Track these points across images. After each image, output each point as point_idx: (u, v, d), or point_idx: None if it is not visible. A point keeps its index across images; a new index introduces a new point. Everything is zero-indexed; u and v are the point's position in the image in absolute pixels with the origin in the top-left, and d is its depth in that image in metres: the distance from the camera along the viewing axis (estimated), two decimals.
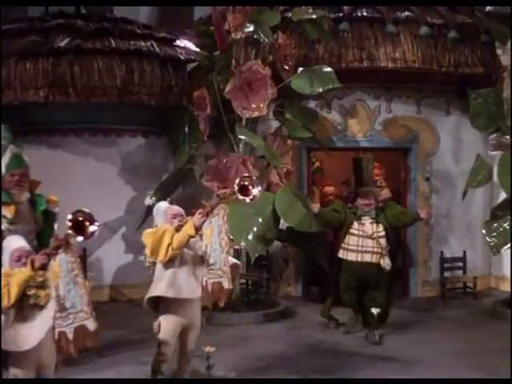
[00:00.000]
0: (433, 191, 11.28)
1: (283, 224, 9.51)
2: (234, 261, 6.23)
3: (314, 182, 12.31)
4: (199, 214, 5.68)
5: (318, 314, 9.11)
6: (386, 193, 11.65)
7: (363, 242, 8.31)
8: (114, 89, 10.34)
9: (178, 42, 10.72)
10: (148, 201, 9.69)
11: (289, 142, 10.37)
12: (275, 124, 10.43)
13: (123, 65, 10.40)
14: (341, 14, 10.45)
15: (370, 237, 8.30)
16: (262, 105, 9.18)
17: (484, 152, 10.38)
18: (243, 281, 10.46)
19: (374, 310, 8.35)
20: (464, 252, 11.26)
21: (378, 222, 8.36)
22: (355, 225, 8.38)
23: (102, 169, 10.82)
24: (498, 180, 9.41)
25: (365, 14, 10.53)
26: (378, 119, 11.10)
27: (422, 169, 11.24)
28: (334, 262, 8.72)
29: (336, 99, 11.05)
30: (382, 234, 8.34)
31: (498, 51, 9.55)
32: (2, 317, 4.65)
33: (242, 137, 9.35)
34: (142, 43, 10.79)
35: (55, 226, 6.83)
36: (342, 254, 8.47)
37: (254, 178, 5.82)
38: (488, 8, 10.45)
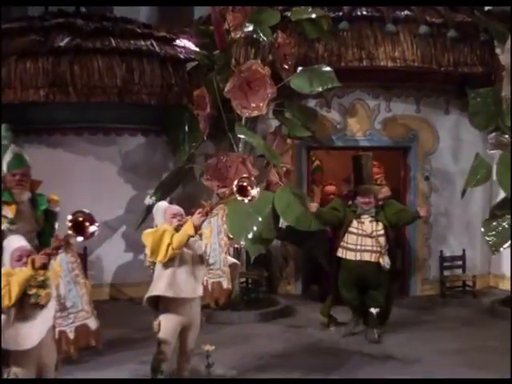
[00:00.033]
0: (432, 190, 11.28)
1: (283, 223, 9.54)
2: (233, 260, 6.26)
3: (314, 181, 12.33)
4: (198, 213, 5.71)
5: (318, 312, 9.07)
6: (385, 191, 11.67)
7: (362, 241, 8.25)
8: (114, 88, 10.34)
9: (177, 42, 10.71)
10: (148, 200, 9.71)
11: (288, 141, 10.40)
12: (275, 123, 10.44)
13: (123, 64, 10.40)
14: (340, 13, 10.44)
15: (370, 235, 8.24)
16: (261, 104, 9.20)
17: (483, 151, 10.39)
18: (243, 279, 10.47)
19: (374, 310, 8.33)
20: (463, 251, 11.26)
21: (377, 221, 8.30)
22: (354, 223, 8.32)
23: (102, 168, 10.83)
24: (497, 179, 9.42)
25: (364, 13, 10.51)
26: (377, 118, 11.10)
27: (422, 168, 11.24)
28: (334, 260, 8.68)
29: (336, 98, 11.06)
30: (382, 232, 8.28)
31: (497, 50, 9.55)
32: (3, 316, 4.68)
33: (242, 136, 9.38)
34: (142, 42, 10.79)
35: (56, 226, 6.86)
36: (340, 253, 8.41)
37: (253, 178, 5.85)
38: (487, 7, 10.47)
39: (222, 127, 9.71)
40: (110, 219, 10.64)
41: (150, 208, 9.21)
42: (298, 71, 9.54)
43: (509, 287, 10.56)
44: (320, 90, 9.55)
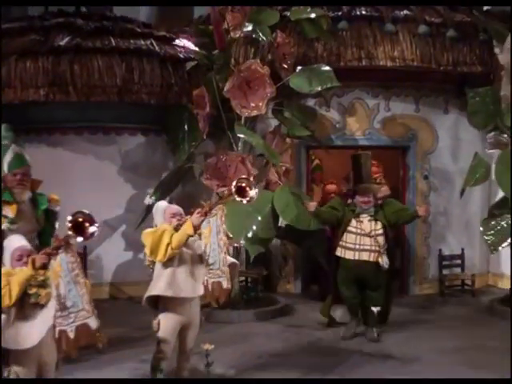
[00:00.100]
0: (431, 189, 11.31)
1: (282, 222, 9.56)
2: (232, 260, 6.28)
3: (314, 180, 12.36)
4: (197, 213, 5.74)
5: (318, 311, 9.09)
6: (385, 190, 11.68)
7: (361, 240, 8.22)
8: (113, 87, 10.35)
9: (177, 42, 10.73)
10: (148, 200, 9.73)
11: (288, 140, 10.41)
12: (274, 122, 10.46)
13: (123, 63, 10.41)
14: (340, 13, 10.46)
15: (368, 235, 8.21)
16: (260, 103, 9.23)
17: (482, 150, 10.42)
18: (242, 278, 10.49)
19: (374, 309, 8.32)
20: (462, 250, 11.29)
21: (376, 220, 8.27)
22: (353, 222, 8.28)
23: (102, 167, 10.85)
24: (496, 178, 9.42)
25: (363, 12, 10.54)
26: (376, 117, 11.12)
27: (421, 167, 11.26)
28: (332, 259, 8.66)
29: (335, 97, 11.09)
30: (380, 231, 8.25)
31: (496, 50, 9.56)
32: (3, 315, 4.70)
33: (241, 135, 9.40)
34: (142, 42, 10.80)
35: (56, 225, 6.89)
36: (339, 252, 8.38)
37: (252, 179, 5.87)
38: (486, 6, 10.49)
39: (222, 126, 9.74)
40: (109, 218, 10.67)
41: (149, 207, 9.24)
42: (297, 71, 9.57)
43: (507, 286, 10.61)
44: (319, 89, 9.59)
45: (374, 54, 10.38)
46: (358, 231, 8.26)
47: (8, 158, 6.73)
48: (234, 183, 5.77)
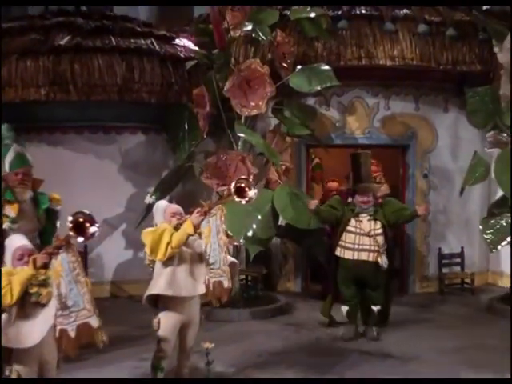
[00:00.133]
0: (431, 188, 11.33)
1: (282, 220, 9.59)
2: (232, 259, 6.31)
3: (314, 179, 12.40)
4: (197, 212, 5.77)
5: (318, 309, 9.09)
6: (385, 189, 11.71)
7: (360, 240, 8.17)
8: (114, 86, 10.36)
9: (177, 41, 10.75)
10: (148, 199, 9.74)
11: (288, 139, 10.42)
12: (274, 121, 10.48)
13: (123, 63, 10.42)
14: (339, 12, 10.49)
15: (367, 234, 8.16)
16: (260, 103, 9.25)
17: (482, 149, 10.42)
18: (242, 277, 10.52)
19: (374, 308, 8.31)
20: (462, 248, 11.31)
21: (375, 220, 8.23)
22: (352, 222, 8.24)
23: (103, 166, 10.87)
24: (496, 177, 9.44)
25: (363, 11, 10.57)
26: (376, 116, 11.14)
27: (420, 166, 11.28)
28: (332, 259, 8.61)
29: (335, 96, 11.10)
30: (380, 231, 8.21)
31: (495, 49, 9.57)
32: (5, 314, 4.74)
33: (241, 135, 9.42)
34: (142, 41, 10.82)
35: (57, 224, 6.93)
36: (339, 252, 8.34)
37: (251, 179, 5.90)
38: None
39: (222, 125, 9.78)
40: (110, 217, 10.70)
41: (150, 206, 9.26)
42: (296, 70, 9.59)
43: (507, 284, 10.63)
44: (318, 88, 9.63)
45: (374, 53, 10.40)
46: (358, 231, 8.22)
47: (10, 157, 6.78)
48: (233, 184, 5.81)
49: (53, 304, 4.76)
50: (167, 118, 10.83)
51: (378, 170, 11.39)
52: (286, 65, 9.80)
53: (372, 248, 8.16)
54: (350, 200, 8.66)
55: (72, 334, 4.77)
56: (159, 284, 5.88)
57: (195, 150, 10.42)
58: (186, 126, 10.59)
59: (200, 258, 6.01)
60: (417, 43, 10.42)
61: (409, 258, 11.31)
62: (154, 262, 6.02)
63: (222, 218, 5.99)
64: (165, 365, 6.04)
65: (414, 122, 11.23)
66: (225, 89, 9.24)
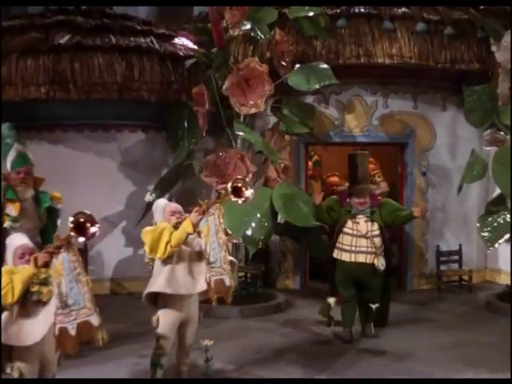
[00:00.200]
0: (429, 186, 11.37)
1: (281, 218, 9.62)
2: (230, 258, 6.35)
3: (313, 176, 12.46)
4: (195, 211, 5.83)
5: (316, 306, 9.01)
6: (384, 186, 11.81)
7: (357, 242, 8.09)
8: (114, 85, 10.40)
9: (176, 40, 10.78)
10: (148, 197, 9.78)
11: (286, 137, 10.47)
12: (273, 119, 10.54)
13: (123, 61, 10.46)
14: (338, 11, 10.53)
15: (365, 236, 8.08)
16: (259, 101, 9.30)
17: (479, 147, 10.44)
18: (242, 274, 10.57)
19: (372, 306, 8.27)
20: (460, 245, 11.34)
21: (372, 221, 8.14)
22: (349, 223, 8.16)
23: (103, 164, 10.92)
24: (493, 176, 9.48)
25: (362, 10, 10.60)
26: (374, 114, 11.18)
27: (419, 163, 11.32)
28: (329, 260, 8.48)
29: (333, 95, 11.14)
30: (377, 232, 8.13)
31: (493, 48, 9.60)
32: (6, 313, 4.79)
33: (240, 133, 9.47)
34: (142, 40, 10.86)
35: (58, 223, 6.99)
36: (336, 254, 8.27)
37: (247, 179, 5.95)
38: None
39: (221, 124, 9.83)
40: (110, 214, 10.75)
41: (149, 204, 9.29)
42: (295, 68, 9.64)
43: (505, 281, 10.70)
44: (317, 87, 9.69)
45: (373, 52, 10.44)
46: (355, 232, 8.14)
47: (11, 156, 6.84)
48: (229, 184, 5.88)
49: (53, 302, 4.81)
50: (167, 116, 10.88)
51: (377, 168, 11.50)
52: (284, 63, 9.84)
53: (369, 250, 8.08)
54: (347, 200, 8.62)
55: (72, 332, 4.82)
56: (158, 282, 5.93)
57: (194, 148, 10.48)
58: (186, 124, 10.63)
59: (199, 256, 6.06)
60: (415, 42, 10.46)
61: (407, 255, 11.36)
62: (153, 260, 6.07)
63: (220, 218, 6.05)
64: (164, 362, 6.09)
65: (413, 120, 11.27)
66: (224, 87, 9.29)
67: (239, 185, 5.86)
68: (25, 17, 11.16)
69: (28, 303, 4.83)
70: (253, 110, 9.37)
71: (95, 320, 4.94)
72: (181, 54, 10.92)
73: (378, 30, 10.48)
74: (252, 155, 9.85)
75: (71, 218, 4.53)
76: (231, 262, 6.30)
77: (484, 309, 9.96)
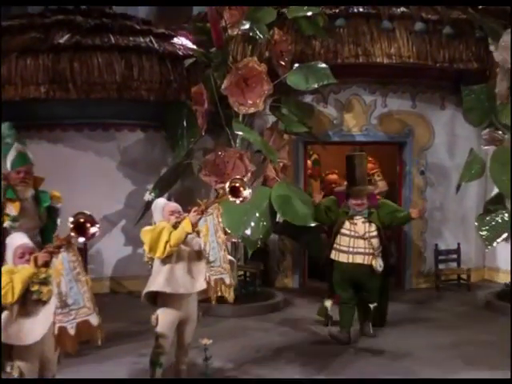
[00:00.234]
0: (427, 185, 11.39)
1: (280, 217, 9.64)
2: (229, 257, 6.38)
3: (312, 175, 12.48)
4: (194, 211, 5.85)
5: (315, 305, 9.02)
6: (382, 186, 11.82)
7: (355, 243, 8.06)
8: (113, 84, 10.40)
9: (175, 40, 10.80)
10: (147, 197, 9.79)
11: (285, 136, 10.46)
12: (272, 119, 10.55)
13: (122, 61, 10.46)
14: (337, 10, 10.54)
15: (362, 237, 8.05)
16: (258, 101, 9.32)
17: (478, 146, 10.46)
18: (241, 273, 10.59)
19: (371, 305, 8.26)
20: (458, 244, 11.36)
21: (370, 222, 8.11)
22: (347, 224, 8.13)
23: (102, 163, 10.93)
24: (491, 175, 9.52)
25: (361, 10, 10.61)
26: (373, 114, 11.19)
27: (417, 162, 11.33)
28: (327, 262, 8.43)
29: (332, 94, 11.15)
30: (375, 233, 8.10)
31: (491, 47, 9.63)
32: (6, 312, 4.82)
33: (239, 132, 9.49)
34: (141, 39, 10.86)
35: (58, 222, 7.01)
36: (333, 255, 8.24)
37: (245, 179, 5.97)
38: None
39: (220, 123, 9.83)
40: (109, 214, 10.78)
41: (149, 204, 9.30)
42: (294, 68, 9.66)
43: (503, 280, 10.72)
44: (316, 86, 9.71)
45: (371, 51, 10.44)
46: (352, 233, 8.10)
47: (11, 156, 6.87)
48: (227, 184, 5.90)
49: (53, 302, 4.83)
50: (166, 115, 10.89)
51: (375, 167, 11.52)
52: (283, 63, 9.85)
53: (367, 251, 8.05)
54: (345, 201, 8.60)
55: (72, 331, 4.83)
56: (158, 281, 5.96)
57: (194, 148, 10.49)
58: (185, 124, 10.65)
59: (198, 255, 6.08)
60: (414, 41, 10.47)
61: (405, 254, 11.38)
62: (152, 259, 6.10)
63: (219, 217, 6.08)
64: (163, 361, 6.12)
65: (411, 120, 11.29)
66: (223, 87, 9.31)
67: (237, 185, 5.88)
68: (24, 16, 11.16)
69: (28, 302, 4.86)
70: (252, 110, 9.40)
71: (94, 319, 4.96)
72: (180, 53, 10.93)
73: (376, 30, 10.48)
74: (251, 154, 9.87)
75: (71, 219, 4.56)
76: (230, 261, 6.32)
77: (483, 307, 9.98)
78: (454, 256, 11.40)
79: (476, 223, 9.79)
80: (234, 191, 5.89)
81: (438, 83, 11.34)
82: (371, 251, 8.06)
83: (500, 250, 10.95)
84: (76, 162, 10.73)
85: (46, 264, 4.79)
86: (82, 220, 4.56)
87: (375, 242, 8.11)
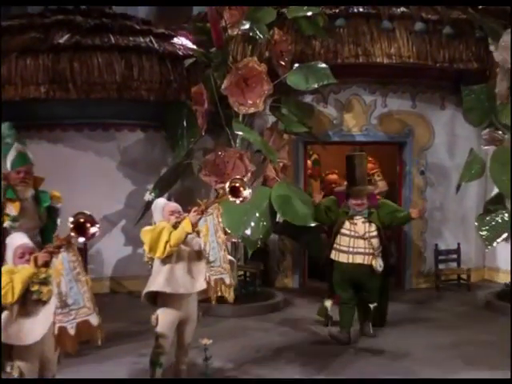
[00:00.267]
0: (427, 185, 11.38)
1: (280, 217, 9.64)
2: (229, 258, 6.38)
3: (312, 175, 12.48)
4: (194, 211, 5.85)
5: (315, 305, 9.03)
6: (382, 185, 11.82)
7: (355, 243, 8.05)
8: (113, 84, 10.40)
9: (175, 40, 10.80)
10: (148, 197, 9.79)
11: (285, 136, 10.47)
12: (272, 119, 10.56)
13: (122, 61, 10.46)
14: (337, 10, 10.54)
15: (362, 237, 8.04)
16: (258, 101, 9.33)
17: (478, 146, 10.46)
18: (241, 273, 10.58)
19: (371, 305, 8.26)
20: (458, 244, 11.36)
21: (370, 222, 8.10)
22: (347, 224, 8.12)
23: (102, 163, 10.93)
24: (491, 175, 9.52)
25: (361, 9, 10.61)
26: (373, 114, 11.19)
27: (417, 163, 11.33)
28: (327, 262, 8.42)
29: (332, 94, 11.15)
30: (375, 233, 8.09)
31: (491, 47, 9.63)
32: (6, 312, 4.82)
33: (239, 132, 9.49)
34: (141, 39, 10.86)
35: (58, 222, 7.01)
36: (333, 255, 8.23)
37: (245, 179, 5.97)
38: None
39: (220, 123, 9.84)
40: (109, 214, 10.78)
41: (149, 204, 9.31)
42: (294, 68, 9.66)
43: (503, 280, 10.72)
44: (315, 86, 9.71)
45: (371, 51, 10.44)
46: (352, 233, 8.09)
47: (11, 156, 6.87)
48: (227, 184, 5.91)
49: (53, 302, 4.83)
50: (166, 115, 10.89)
51: (375, 167, 11.52)
52: (283, 63, 9.86)
53: (367, 251, 8.04)
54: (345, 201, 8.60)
55: (71, 331, 4.84)
56: (158, 281, 5.96)
57: (194, 148, 10.49)
58: (185, 124, 10.65)
59: (198, 255, 6.09)
60: (414, 41, 10.47)
61: (405, 254, 11.37)
62: (152, 259, 6.10)
63: (219, 217, 6.08)
64: (163, 361, 6.12)
65: (411, 120, 11.29)
66: (223, 87, 9.31)
67: (237, 185, 5.88)
68: (24, 16, 11.16)
69: (28, 302, 4.86)
70: (251, 110, 9.40)
71: (94, 319, 4.96)
72: (180, 53, 10.93)
73: (376, 30, 10.48)
74: (251, 154, 9.87)
75: (71, 219, 4.56)
76: (230, 261, 6.33)
77: (483, 307, 9.97)
78: (454, 256, 11.39)
79: (476, 223, 9.80)
80: (234, 191, 5.89)
81: (438, 83, 11.34)
82: (371, 251, 8.05)
83: (500, 250, 10.95)
84: (76, 162, 10.73)
85: (46, 264, 4.80)
86: (81, 220, 4.57)
87: (375, 242, 8.10)
